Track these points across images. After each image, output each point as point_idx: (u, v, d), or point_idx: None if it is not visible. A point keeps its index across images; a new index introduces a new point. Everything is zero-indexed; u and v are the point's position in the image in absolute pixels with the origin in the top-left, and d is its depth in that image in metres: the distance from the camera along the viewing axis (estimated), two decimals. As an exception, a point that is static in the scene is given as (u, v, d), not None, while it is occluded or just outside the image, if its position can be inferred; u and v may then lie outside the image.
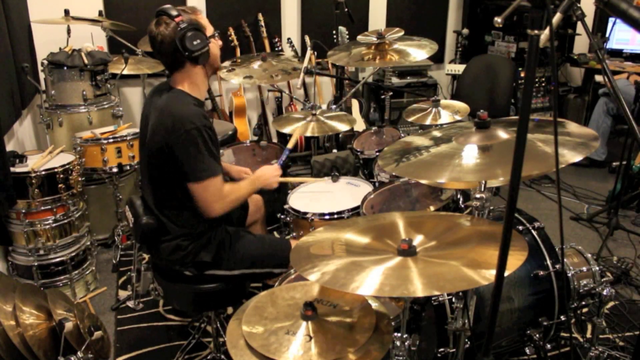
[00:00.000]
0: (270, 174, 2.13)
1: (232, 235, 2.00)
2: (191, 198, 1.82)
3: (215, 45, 1.87)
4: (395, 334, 1.43)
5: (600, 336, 2.31)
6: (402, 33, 2.82)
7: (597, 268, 2.08)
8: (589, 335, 2.35)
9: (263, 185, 2.09)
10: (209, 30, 1.85)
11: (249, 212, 2.32)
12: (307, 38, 4.46)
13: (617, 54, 4.52)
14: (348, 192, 2.48)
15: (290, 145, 2.40)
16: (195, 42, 1.76)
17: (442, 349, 1.78)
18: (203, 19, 1.85)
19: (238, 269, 1.96)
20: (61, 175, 2.60)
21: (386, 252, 1.29)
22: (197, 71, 1.84)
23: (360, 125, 4.15)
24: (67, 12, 3.35)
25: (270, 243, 2.10)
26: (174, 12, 1.76)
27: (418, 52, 2.69)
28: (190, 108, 1.77)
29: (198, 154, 1.74)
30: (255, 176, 2.11)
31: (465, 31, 4.79)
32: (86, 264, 2.82)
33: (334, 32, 4.01)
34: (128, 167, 2.95)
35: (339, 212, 2.23)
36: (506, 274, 1.08)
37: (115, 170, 2.91)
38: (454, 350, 1.77)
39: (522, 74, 4.16)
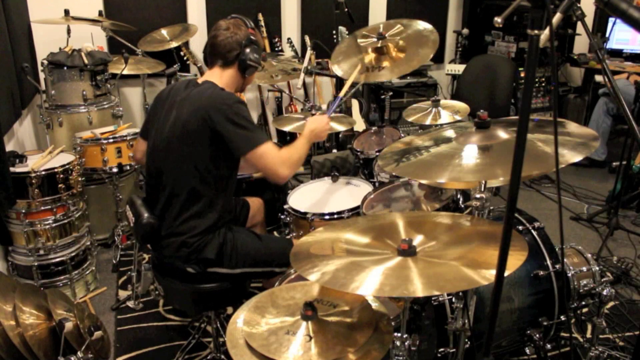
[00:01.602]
0: (322, 127, 2.12)
1: (236, 234, 2.00)
2: (209, 188, 1.86)
3: (256, 71, 2.05)
4: (395, 334, 1.43)
5: (600, 336, 2.31)
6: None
7: (597, 268, 2.08)
8: (589, 335, 2.35)
9: (316, 139, 2.12)
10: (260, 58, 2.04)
11: (250, 214, 2.32)
12: (307, 38, 4.46)
13: (617, 54, 4.53)
14: (348, 192, 2.48)
15: (342, 93, 2.36)
16: (254, 56, 1.95)
17: (442, 349, 1.78)
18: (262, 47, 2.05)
19: (240, 267, 1.97)
20: (61, 175, 2.60)
21: (386, 252, 1.29)
22: (236, 75, 1.97)
23: (360, 125, 4.14)
24: (67, 12, 3.35)
25: (273, 243, 2.10)
26: (250, 25, 1.99)
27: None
28: (225, 91, 1.90)
29: (246, 123, 1.83)
30: (308, 131, 2.09)
31: (465, 31, 4.79)
32: (86, 264, 2.82)
33: (334, 32, 4.01)
34: (128, 167, 2.95)
35: (339, 212, 2.23)
36: (506, 274, 1.08)
37: (115, 170, 2.91)
38: (454, 350, 1.77)
39: (522, 74, 4.16)
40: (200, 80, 1.95)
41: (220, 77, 1.95)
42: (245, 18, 2.00)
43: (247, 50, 1.93)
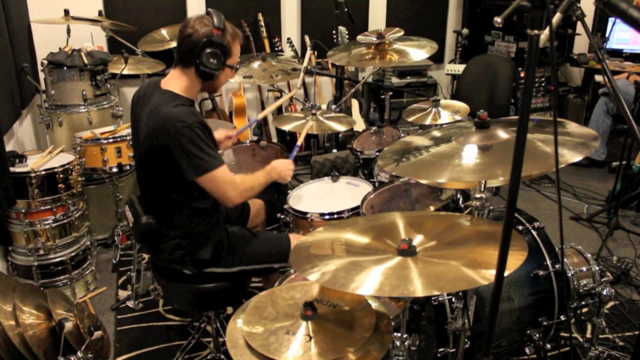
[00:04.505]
0: (285, 167, 2.12)
1: (231, 233, 2.00)
2: (188, 197, 1.82)
3: (226, 75, 1.88)
4: (395, 334, 1.43)
5: (600, 336, 2.31)
6: (401, 33, 2.82)
7: (597, 268, 2.08)
8: (588, 335, 2.35)
9: (278, 177, 2.08)
10: (234, 60, 1.86)
11: (250, 216, 2.32)
12: (307, 38, 4.46)
13: (617, 54, 4.52)
14: (348, 192, 2.48)
15: (299, 141, 2.38)
16: (210, 60, 1.76)
17: (442, 349, 1.78)
18: (237, 48, 1.87)
19: (237, 265, 1.97)
20: (61, 175, 2.60)
21: (386, 252, 1.29)
22: (194, 79, 1.83)
23: (360, 125, 4.15)
24: (67, 12, 3.35)
25: (270, 239, 2.10)
26: (217, 23, 1.76)
27: (417, 52, 2.70)
28: (179, 108, 1.75)
29: (194, 149, 1.72)
30: (270, 167, 2.07)
31: (465, 31, 4.79)
32: (86, 264, 2.82)
33: (334, 32, 4.00)
34: (128, 167, 2.94)
35: (339, 212, 2.23)
36: (506, 274, 1.08)
37: (115, 170, 2.91)
38: (454, 350, 1.77)
39: (522, 74, 4.16)
40: (163, 83, 1.84)
41: (179, 80, 1.82)
42: (218, 13, 1.79)
43: (205, 53, 1.74)
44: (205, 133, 1.76)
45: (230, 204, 1.84)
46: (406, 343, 1.46)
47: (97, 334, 1.97)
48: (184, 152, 1.72)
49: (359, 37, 2.89)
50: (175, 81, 1.84)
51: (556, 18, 1.08)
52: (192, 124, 1.71)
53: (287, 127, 2.63)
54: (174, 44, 3.72)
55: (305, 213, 2.26)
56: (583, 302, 2.06)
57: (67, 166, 2.62)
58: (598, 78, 4.49)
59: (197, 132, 1.72)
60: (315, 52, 4.05)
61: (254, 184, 1.93)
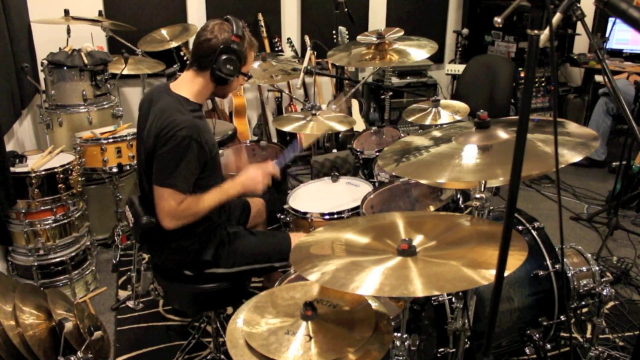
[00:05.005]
0: (255, 179, 1.92)
1: (231, 234, 2.00)
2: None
3: (239, 81, 1.90)
4: (395, 334, 1.43)
5: (600, 336, 2.31)
6: (401, 33, 2.82)
7: (597, 268, 2.08)
8: (588, 335, 2.35)
9: (244, 191, 1.92)
10: (247, 67, 1.89)
11: (250, 216, 2.32)
12: (307, 38, 4.46)
13: (617, 54, 4.52)
14: (348, 192, 2.48)
15: (305, 145, 2.14)
16: (227, 66, 1.79)
17: (442, 349, 1.78)
18: (251, 57, 1.90)
19: (238, 266, 1.97)
20: (61, 175, 2.60)
21: (386, 252, 1.29)
22: (207, 83, 1.85)
23: (360, 125, 4.15)
24: (67, 12, 3.35)
25: (270, 238, 2.10)
26: (235, 29, 1.80)
27: (418, 51, 2.70)
28: (185, 117, 1.75)
29: (173, 160, 1.72)
30: (231, 184, 1.90)
31: (465, 31, 4.79)
32: (86, 264, 2.82)
33: (334, 32, 4.01)
34: (128, 167, 2.95)
35: (339, 212, 2.23)
36: (506, 274, 1.08)
37: (115, 170, 2.91)
38: (454, 350, 1.77)
39: (522, 74, 4.16)
40: (173, 86, 1.85)
41: (192, 82, 1.84)
42: (237, 21, 1.85)
43: (222, 58, 1.77)
44: (197, 153, 1.74)
45: (163, 226, 1.79)
46: (406, 343, 1.46)
47: (97, 334, 1.97)
48: (163, 157, 1.73)
49: (359, 37, 2.89)
50: (188, 84, 1.85)
51: (556, 18, 1.08)
52: (190, 137, 1.71)
53: (287, 128, 2.63)
54: (174, 44, 3.72)
55: (305, 213, 2.26)
56: (583, 302, 2.06)
57: (67, 166, 2.62)
58: (598, 78, 4.49)
59: (189, 148, 1.72)
60: (315, 52, 4.05)
61: (197, 211, 1.81)
